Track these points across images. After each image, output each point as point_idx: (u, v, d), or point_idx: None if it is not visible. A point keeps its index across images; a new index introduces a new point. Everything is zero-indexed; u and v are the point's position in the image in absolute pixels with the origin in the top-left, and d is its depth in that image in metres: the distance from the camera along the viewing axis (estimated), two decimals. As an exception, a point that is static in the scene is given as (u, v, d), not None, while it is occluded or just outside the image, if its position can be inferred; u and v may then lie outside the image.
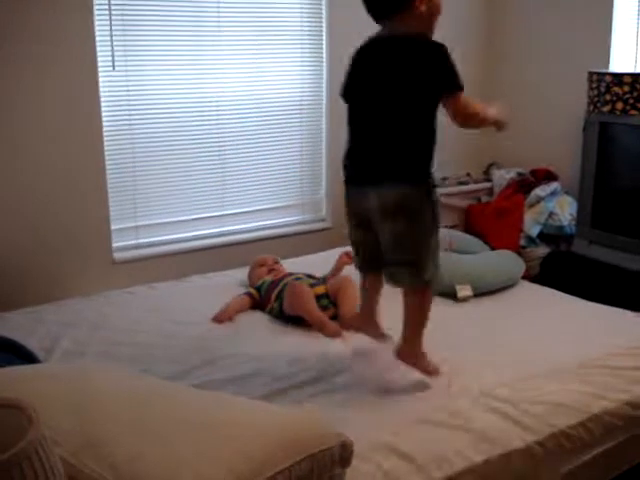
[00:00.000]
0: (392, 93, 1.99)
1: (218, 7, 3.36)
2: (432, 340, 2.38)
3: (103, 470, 1.26)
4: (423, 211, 2.03)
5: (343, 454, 1.46)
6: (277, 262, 2.98)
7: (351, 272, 2.55)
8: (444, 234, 3.01)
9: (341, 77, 2.16)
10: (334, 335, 2.43)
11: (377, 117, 2.03)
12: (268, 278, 2.81)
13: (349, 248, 2.35)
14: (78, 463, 1.26)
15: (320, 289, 2.66)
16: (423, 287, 2.09)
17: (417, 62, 1.97)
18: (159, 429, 1.36)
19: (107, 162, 3.15)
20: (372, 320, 2.29)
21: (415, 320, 2.12)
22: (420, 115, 2.00)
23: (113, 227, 3.23)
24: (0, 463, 0.97)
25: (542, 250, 3.66)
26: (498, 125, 2.12)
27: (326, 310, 2.60)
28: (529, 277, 3.25)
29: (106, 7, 3.05)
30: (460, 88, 1.99)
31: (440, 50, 1.97)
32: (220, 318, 2.63)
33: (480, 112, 2.05)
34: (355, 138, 2.12)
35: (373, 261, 2.18)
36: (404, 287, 2.10)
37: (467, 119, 2.03)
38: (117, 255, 3.26)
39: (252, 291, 2.79)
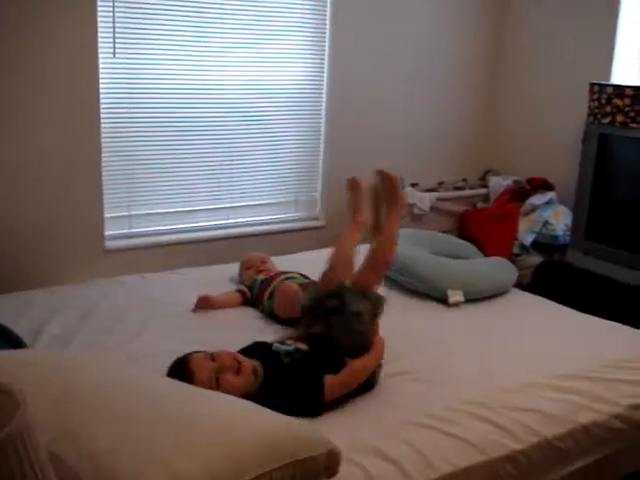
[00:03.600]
0: None
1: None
2: (420, 344, 2.38)
3: (79, 461, 1.24)
4: None
5: (329, 463, 1.41)
6: (265, 262, 2.94)
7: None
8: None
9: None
10: None
11: None
12: (260, 277, 2.78)
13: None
14: (59, 451, 1.25)
15: None
16: None
17: None
18: (140, 423, 1.34)
19: (103, 149, 3.13)
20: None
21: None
22: None
23: (106, 215, 3.21)
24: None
25: (535, 259, 3.65)
26: None
27: None
28: (521, 285, 3.24)
29: (109, -7, 3.03)
30: None
31: None
32: (199, 303, 2.62)
33: None
34: None
35: None
36: None
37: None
38: (109, 243, 3.23)
39: (244, 289, 2.76)
